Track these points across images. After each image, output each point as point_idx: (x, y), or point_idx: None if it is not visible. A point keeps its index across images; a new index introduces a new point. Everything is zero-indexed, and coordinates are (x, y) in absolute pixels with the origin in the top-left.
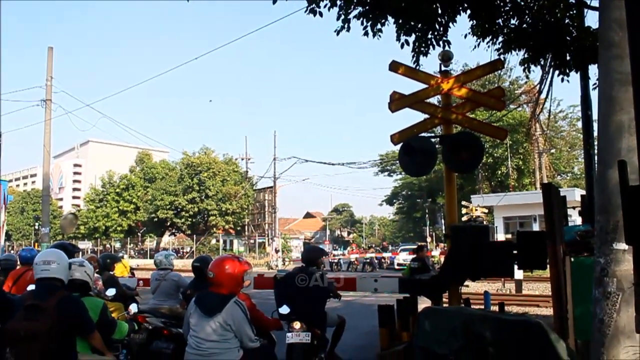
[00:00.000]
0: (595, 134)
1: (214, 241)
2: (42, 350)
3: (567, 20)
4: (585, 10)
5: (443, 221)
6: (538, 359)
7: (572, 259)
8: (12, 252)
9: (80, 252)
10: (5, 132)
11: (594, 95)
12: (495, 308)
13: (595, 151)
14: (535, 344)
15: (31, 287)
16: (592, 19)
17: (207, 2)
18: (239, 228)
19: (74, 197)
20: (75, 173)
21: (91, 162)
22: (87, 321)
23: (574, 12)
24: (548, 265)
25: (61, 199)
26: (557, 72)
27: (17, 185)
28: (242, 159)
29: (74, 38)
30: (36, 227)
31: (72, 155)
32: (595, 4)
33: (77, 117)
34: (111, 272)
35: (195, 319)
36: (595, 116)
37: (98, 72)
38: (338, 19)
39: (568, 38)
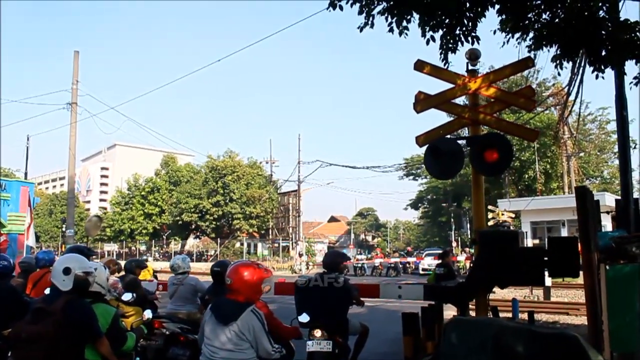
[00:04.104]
0: (631, 135)
1: (238, 244)
2: (46, 354)
3: (602, 14)
4: (622, 2)
5: (468, 226)
6: None
7: (607, 267)
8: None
9: (98, 256)
10: (33, 135)
11: (629, 94)
12: (523, 316)
13: (631, 153)
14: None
15: (48, 290)
16: (630, 12)
17: (231, 3)
18: (263, 232)
19: (101, 200)
20: (102, 176)
21: (118, 165)
22: (93, 326)
23: (609, 4)
24: (581, 273)
25: (89, 202)
26: (591, 68)
27: (47, 188)
28: (267, 163)
29: (100, 41)
30: (63, 229)
31: (99, 159)
32: None
33: (102, 121)
34: (134, 276)
35: (210, 327)
36: (630, 116)
37: (124, 75)
38: (360, 13)
39: (603, 32)
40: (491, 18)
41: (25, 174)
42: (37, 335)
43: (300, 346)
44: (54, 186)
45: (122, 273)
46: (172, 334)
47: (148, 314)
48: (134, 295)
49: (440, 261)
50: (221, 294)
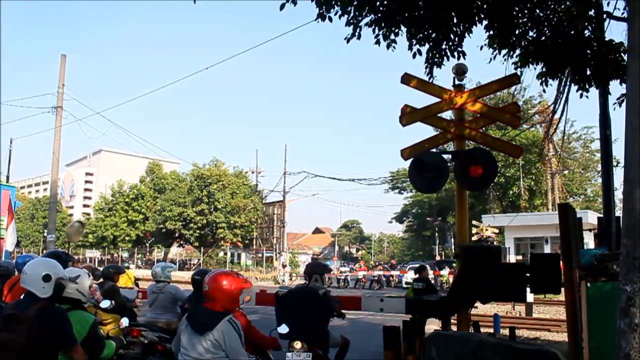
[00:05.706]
0: (614, 153)
1: (221, 254)
2: None
3: (587, 33)
4: (607, 22)
5: (453, 240)
6: None
7: (589, 284)
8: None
9: (74, 262)
10: (17, 139)
11: (613, 114)
12: (505, 332)
13: (614, 172)
14: None
15: None
16: (615, 32)
17: (221, 12)
18: (247, 241)
19: (84, 206)
20: (86, 181)
21: (103, 171)
22: (67, 334)
23: (595, 24)
24: (562, 290)
25: (72, 207)
26: (576, 87)
27: (29, 192)
28: (253, 172)
29: (88, 46)
30: (45, 234)
31: (84, 164)
32: (618, 14)
33: (88, 126)
34: (113, 283)
35: (186, 337)
36: (614, 135)
37: (111, 80)
38: (347, 24)
39: (588, 51)
40: (478, 34)
41: (7, 177)
42: (9, 342)
43: (278, 358)
44: (37, 190)
45: (101, 280)
46: (151, 342)
47: (125, 321)
48: (113, 302)
49: (417, 276)
50: (201, 302)
